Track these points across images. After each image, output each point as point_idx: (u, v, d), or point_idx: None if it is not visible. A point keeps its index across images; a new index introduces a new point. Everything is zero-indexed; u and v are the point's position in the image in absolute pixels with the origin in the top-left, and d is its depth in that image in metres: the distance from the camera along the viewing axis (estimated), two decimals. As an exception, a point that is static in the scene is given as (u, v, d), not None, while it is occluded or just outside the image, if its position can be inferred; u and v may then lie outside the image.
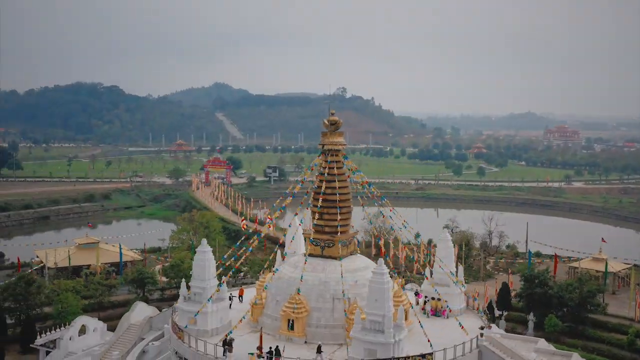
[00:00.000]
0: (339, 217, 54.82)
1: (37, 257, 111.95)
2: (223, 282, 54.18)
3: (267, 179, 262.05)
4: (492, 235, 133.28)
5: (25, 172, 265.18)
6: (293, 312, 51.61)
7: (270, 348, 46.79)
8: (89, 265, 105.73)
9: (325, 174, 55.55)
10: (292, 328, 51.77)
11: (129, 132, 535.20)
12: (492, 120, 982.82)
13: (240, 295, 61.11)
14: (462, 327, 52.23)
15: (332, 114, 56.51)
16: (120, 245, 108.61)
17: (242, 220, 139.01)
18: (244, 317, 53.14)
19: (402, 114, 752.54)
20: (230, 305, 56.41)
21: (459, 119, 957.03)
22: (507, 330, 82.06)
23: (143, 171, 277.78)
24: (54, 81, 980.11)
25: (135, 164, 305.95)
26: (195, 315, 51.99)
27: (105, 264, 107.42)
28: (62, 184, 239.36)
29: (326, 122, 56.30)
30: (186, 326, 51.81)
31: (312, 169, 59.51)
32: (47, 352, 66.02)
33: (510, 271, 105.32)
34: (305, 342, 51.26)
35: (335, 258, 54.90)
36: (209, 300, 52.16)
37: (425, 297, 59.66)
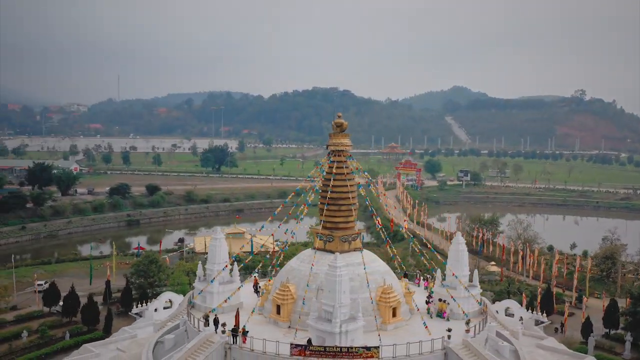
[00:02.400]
0: (338, 214, 58.20)
1: (191, 243, 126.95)
2: (226, 267, 60.14)
3: (460, 182, 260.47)
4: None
5: (238, 169, 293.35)
6: (280, 298, 56.04)
7: (236, 326, 51.75)
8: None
9: (327, 173, 59.02)
10: (279, 313, 56.22)
11: (355, 134, 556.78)
12: None
13: (255, 284, 66.07)
14: (426, 327, 52.59)
15: (339, 117, 59.95)
16: (252, 237, 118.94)
17: (392, 222, 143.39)
18: (228, 298, 58.35)
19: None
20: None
21: None
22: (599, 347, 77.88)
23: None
24: (294, 87, 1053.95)
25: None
26: (199, 293, 58.88)
27: (245, 252, 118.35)
28: (266, 181, 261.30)
29: (333, 124, 59.73)
30: (191, 302, 58.89)
31: (316, 168, 62.81)
32: (142, 320, 76.94)
33: None
34: (289, 326, 55.29)
35: (334, 252, 58.11)
36: (211, 281, 58.66)
37: (429, 298, 60.02)
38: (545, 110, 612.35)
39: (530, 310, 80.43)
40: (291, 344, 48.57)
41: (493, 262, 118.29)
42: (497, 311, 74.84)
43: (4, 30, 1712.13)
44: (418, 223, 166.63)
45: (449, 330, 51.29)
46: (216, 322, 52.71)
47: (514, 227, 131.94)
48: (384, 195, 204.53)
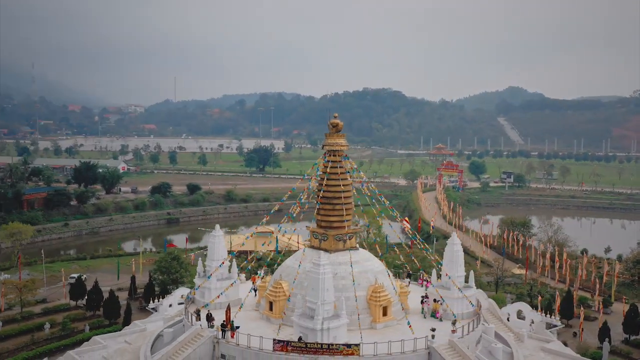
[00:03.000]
0: (332, 213, 59.02)
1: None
2: (222, 263, 61.56)
3: (503, 184, 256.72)
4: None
5: (281, 170, 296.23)
6: (273, 295, 57.13)
7: (224, 321, 53.05)
8: (250, 251, 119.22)
9: (322, 173, 59.86)
10: (271, 309, 57.32)
11: (405, 135, 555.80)
12: None
13: (254, 282, 67.07)
14: (410, 326, 52.83)
15: (335, 117, 60.70)
16: (277, 236, 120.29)
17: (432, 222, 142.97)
18: (221, 294, 59.70)
19: None
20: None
21: None
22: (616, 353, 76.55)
23: (387, 172, 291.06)
24: (345, 87, 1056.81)
25: (383, 166, 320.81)
26: (195, 288, 60.54)
27: (271, 251, 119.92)
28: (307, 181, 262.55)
29: (329, 124, 60.53)
30: (189, 296, 60.56)
31: (312, 168, 63.73)
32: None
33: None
34: (281, 323, 56.24)
35: (327, 251, 59.01)
36: (208, 277, 60.22)
37: (424, 297, 60.13)
38: (602, 111, 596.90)
39: (547, 314, 79.43)
40: (274, 340, 49.61)
41: (519, 265, 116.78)
42: (508, 313, 74.53)
43: (69, 33, 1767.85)
44: (451, 224, 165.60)
45: (433, 330, 51.44)
46: (208, 317, 54.17)
47: (545, 230, 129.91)
48: (423, 198, 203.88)
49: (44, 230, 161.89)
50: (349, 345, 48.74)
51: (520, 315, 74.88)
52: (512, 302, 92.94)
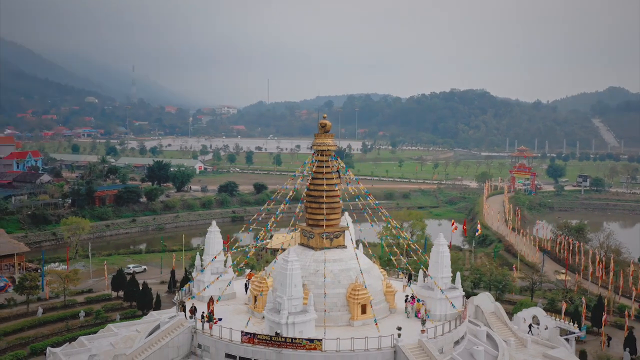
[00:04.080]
0: (318, 211, 60.46)
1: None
2: (214, 258, 64.01)
3: (579, 188, 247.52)
4: None
5: (353, 170, 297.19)
6: (256, 289, 59.12)
7: (203, 313, 55.45)
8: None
9: (307, 172, 61.36)
10: (256, 303, 59.31)
11: (492, 137, 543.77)
12: None
13: (248, 279, 68.74)
14: (377, 324, 53.43)
15: (324, 118, 62.10)
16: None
17: (478, 225, 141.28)
18: (206, 287, 61.97)
19: None
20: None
21: None
22: None
23: (462, 175, 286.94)
24: (432, 88, 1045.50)
25: (459, 168, 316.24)
26: (190, 282, 63.32)
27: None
28: (379, 183, 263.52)
29: (318, 124, 61.97)
30: (182, 289, 63.49)
31: (301, 167, 65.13)
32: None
33: None
34: (264, 317, 58.11)
35: (313, 248, 60.53)
36: (201, 270, 62.93)
37: (408, 297, 60.37)
38: None
39: (570, 322, 77.61)
40: (242, 332, 51.58)
41: (562, 270, 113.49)
42: (524, 318, 73.55)
43: (167, 38, 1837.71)
44: (514, 229, 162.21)
45: (399, 329, 51.86)
46: (192, 309, 56.76)
47: (597, 236, 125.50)
48: (487, 201, 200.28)
49: (112, 225, 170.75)
50: (311, 340, 50.00)
51: (535, 320, 73.66)
52: (543, 308, 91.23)
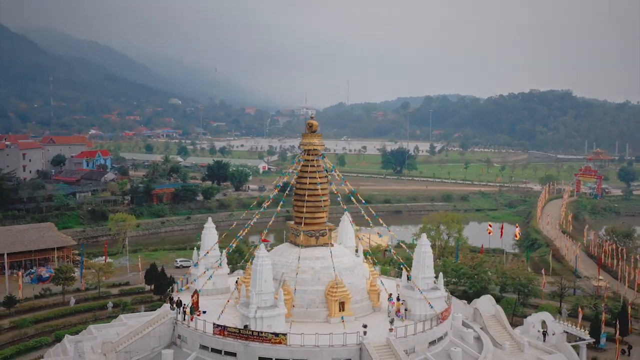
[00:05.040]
0: (305, 210, 61.90)
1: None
2: (207, 253, 66.24)
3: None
4: None
5: (416, 172, 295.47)
6: (240, 284, 60.97)
7: (184, 305, 57.73)
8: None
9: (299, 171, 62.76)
10: (242, 297, 61.15)
11: (571, 139, 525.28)
12: None
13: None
14: (343, 321, 54.23)
15: (312, 118, 63.48)
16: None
17: (517, 228, 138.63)
18: (194, 280, 64.21)
19: None
20: None
21: None
22: None
23: (529, 177, 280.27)
24: (510, 89, 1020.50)
25: (528, 170, 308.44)
26: (184, 276, 65.88)
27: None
28: (441, 184, 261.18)
29: (306, 124, 63.49)
30: (176, 282, 66.09)
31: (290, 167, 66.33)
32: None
33: None
34: (249, 311, 59.95)
35: (299, 246, 61.97)
36: (195, 265, 65.37)
37: (390, 295, 60.73)
38: None
39: (582, 328, 75.74)
40: (214, 324, 53.54)
41: (601, 277, 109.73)
42: (533, 323, 72.62)
43: (247, 39, 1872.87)
44: (564, 232, 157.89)
45: (365, 326, 52.50)
46: (178, 302, 59.27)
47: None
48: (543, 205, 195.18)
49: (167, 222, 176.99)
50: (276, 334, 51.42)
51: (544, 325, 72.53)
52: (568, 313, 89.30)
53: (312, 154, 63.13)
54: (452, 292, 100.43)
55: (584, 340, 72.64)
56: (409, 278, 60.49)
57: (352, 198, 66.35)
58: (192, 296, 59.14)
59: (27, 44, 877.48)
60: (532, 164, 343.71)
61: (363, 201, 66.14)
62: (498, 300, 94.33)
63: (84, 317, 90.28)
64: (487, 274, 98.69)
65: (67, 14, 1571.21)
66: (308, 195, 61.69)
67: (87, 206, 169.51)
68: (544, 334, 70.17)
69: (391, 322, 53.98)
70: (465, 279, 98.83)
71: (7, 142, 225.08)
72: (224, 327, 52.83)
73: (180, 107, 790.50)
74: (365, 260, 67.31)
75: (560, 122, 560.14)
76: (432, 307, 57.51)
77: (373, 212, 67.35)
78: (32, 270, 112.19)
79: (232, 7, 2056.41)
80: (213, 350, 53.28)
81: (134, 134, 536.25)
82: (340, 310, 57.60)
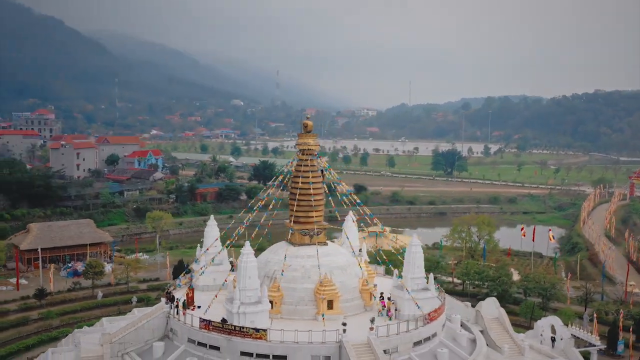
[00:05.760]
0: (297, 209, 62.91)
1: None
2: (207, 250, 67.86)
3: None
4: None
5: (466, 174, 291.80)
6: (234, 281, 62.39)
7: (177, 300, 59.57)
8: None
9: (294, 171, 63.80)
10: (236, 294, 62.57)
11: (637, 140, 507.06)
12: None
13: None
14: (323, 319, 54.84)
15: (308, 118, 64.41)
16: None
17: (549, 232, 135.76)
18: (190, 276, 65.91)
19: None
20: None
21: None
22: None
23: (581, 180, 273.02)
24: (574, 89, 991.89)
25: (584, 173, 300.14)
26: (185, 271, 67.81)
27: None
28: (490, 187, 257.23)
29: (302, 124, 64.41)
30: (178, 284, 68.20)
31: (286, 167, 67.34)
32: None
33: None
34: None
35: (293, 244, 63.08)
36: (195, 261, 67.20)
37: (382, 294, 61.02)
38: None
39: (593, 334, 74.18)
40: (200, 318, 55.14)
41: (632, 282, 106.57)
42: (542, 327, 71.81)
43: (312, 41, 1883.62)
44: (607, 236, 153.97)
45: (344, 324, 53.08)
46: (172, 297, 61.24)
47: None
48: (588, 208, 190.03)
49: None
50: (257, 330, 52.59)
51: (553, 330, 71.53)
52: (590, 319, 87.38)
53: (307, 154, 63.89)
54: (476, 295, 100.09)
55: (594, 346, 71.04)
56: (398, 277, 60.71)
57: (345, 198, 66.07)
58: (187, 291, 60.88)
59: (97, 47, 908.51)
60: (588, 166, 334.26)
61: (358, 201, 66.21)
62: (519, 303, 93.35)
63: (108, 310, 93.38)
64: (510, 276, 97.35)
65: (137, 18, 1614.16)
66: (300, 195, 62.54)
67: (132, 204, 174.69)
68: (553, 339, 69.05)
69: (372, 320, 54.30)
70: (487, 281, 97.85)
71: (62, 142, 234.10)
72: (209, 322, 54.29)
73: (242, 108, 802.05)
74: (361, 260, 67.82)
75: (625, 123, 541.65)
76: (419, 307, 57.48)
77: (369, 212, 67.29)
78: (69, 265, 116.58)
79: (297, 10, 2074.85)
80: (199, 343, 54.86)
81: (194, 134, 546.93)
82: (328, 309, 58.25)
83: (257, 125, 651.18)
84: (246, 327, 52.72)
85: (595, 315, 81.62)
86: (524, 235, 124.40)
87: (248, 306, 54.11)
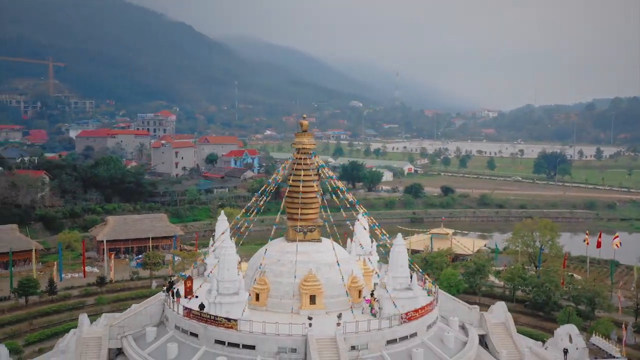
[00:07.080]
0: (292, 206, 65.07)
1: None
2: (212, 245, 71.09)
3: None
4: None
5: (568, 177, 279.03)
6: (233, 275, 65.36)
7: (173, 288, 63.27)
8: (418, 250, 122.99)
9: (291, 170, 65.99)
10: (232, 286, 65.49)
11: None
12: None
13: None
14: (292, 312, 56.32)
15: (304, 118, 66.31)
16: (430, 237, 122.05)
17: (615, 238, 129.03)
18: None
19: None
20: None
21: None
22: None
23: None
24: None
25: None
26: (195, 264, 71.59)
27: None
28: (594, 191, 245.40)
29: (300, 124, 66.51)
30: (181, 274, 72.00)
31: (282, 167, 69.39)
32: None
33: None
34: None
35: (287, 240, 65.35)
36: (205, 253, 70.77)
37: (372, 293, 61.74)
38: None
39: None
40: (184, 307, 58.53)
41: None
42: (561, 336, 70.29)
43: (434, 41, 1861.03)
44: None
45: (310, 318, 54.58)
46: (169, 285, 65.14)
47: None
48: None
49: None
50: (229, 320, 55.24)
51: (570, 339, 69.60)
52: (634, 330, 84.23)
53: (302, 153, 65.73)
54: (524, 301, 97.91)
55: (614, 357, 68.10)
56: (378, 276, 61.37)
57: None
58: (185, 281, 64.54)
59: (223, 51, 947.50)
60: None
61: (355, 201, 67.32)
62: (559, 309, 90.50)
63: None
64: (554, 283, 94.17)
65: (262, 21, 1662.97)
66: (294, 192, 64.48)
67: (218, 201, 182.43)
68: (565, 351, 67.00)
69: (339, 316, 55.38)
70: (531, 287, 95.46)
71: (162, 142, 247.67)
72: (190, 310, 57.52)
73: (359, 109, 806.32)
74: (368, 259, 68.87)
75: None
76: (396, 306, 57.81)
77: (365, 211, 67.82)
78: (139, 256, 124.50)
79: (419, 10, 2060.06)
80: (183, 330, 58.17)
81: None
82: (311, 303, 59.85)
83: (371, 126, 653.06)
84: (220, 317, 55.39)
85: (624, 325, 77.86)
86: (587, 243, 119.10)
87: (225, 297, 56.74)
